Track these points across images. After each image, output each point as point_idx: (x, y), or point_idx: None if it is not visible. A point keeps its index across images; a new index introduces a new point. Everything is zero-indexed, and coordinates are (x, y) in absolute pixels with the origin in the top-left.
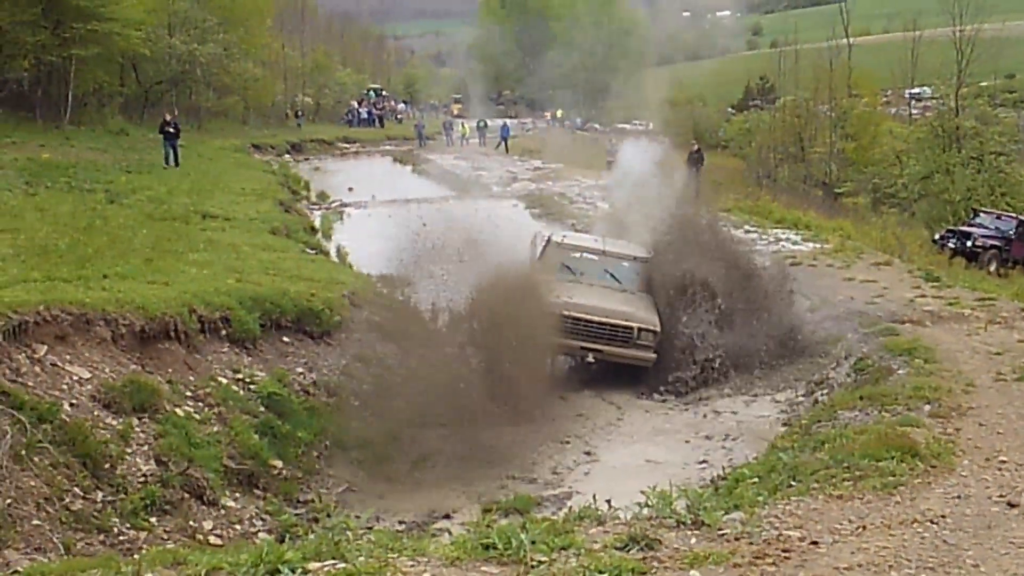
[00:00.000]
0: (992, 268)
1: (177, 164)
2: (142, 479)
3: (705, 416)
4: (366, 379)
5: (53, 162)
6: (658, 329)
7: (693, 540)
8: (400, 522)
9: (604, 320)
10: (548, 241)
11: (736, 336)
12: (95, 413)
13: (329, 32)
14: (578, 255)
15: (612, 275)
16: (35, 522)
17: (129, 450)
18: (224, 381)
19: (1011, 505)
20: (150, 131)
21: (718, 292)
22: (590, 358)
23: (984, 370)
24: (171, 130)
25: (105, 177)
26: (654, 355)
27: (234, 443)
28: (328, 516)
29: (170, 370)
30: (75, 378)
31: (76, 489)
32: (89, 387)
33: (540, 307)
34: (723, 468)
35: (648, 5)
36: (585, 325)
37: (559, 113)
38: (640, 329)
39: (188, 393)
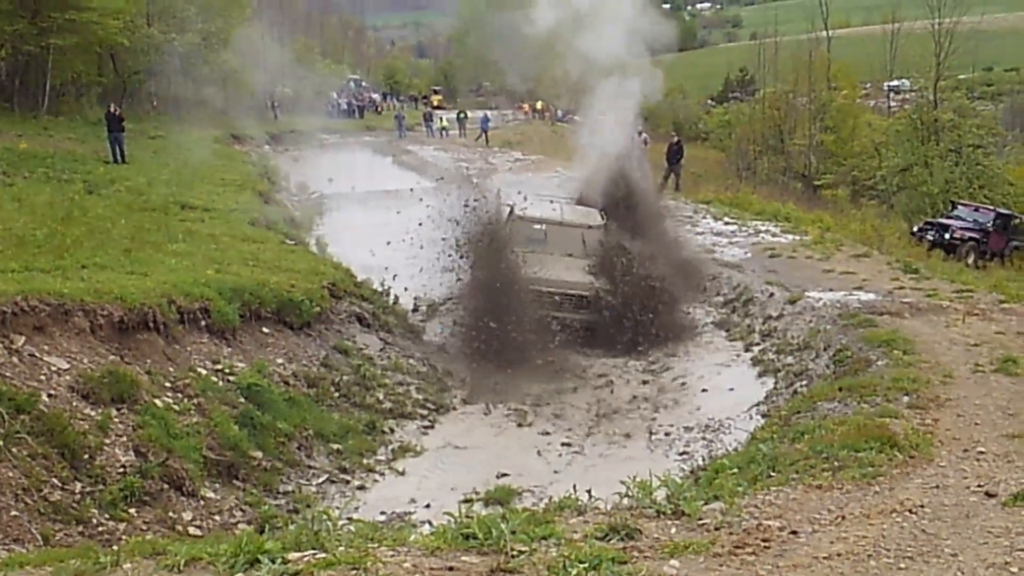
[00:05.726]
0: (970, 260)
1: (121, 159)
2: (121, 470)
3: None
4: (346, 370)
5: (31, 152)
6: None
7: (673, 530)
8: (381, 512)
9: (565, 291)
10: (511, 214)
11: None
12: (73, 404)
13: (309, 23)
14: (539, 226)
15: (570, 242)
16: (13, 513)
17: (108, 441)
18: (203, 372)
19: (989, 495)
20: (129, 122)
21: None
22: (554, 325)
23: (962, 361)
24: (119, 121)
25: (83, 167)
26: (606, 314)
27: (214, 434)
28: (308, 507)
29: (149, 361)
30: (53, 368)
31: (55, 480)
32: (67, 378)
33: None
34: (703, 459)
35: None
36: (548, 296)
37: (539, 104)
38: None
39: (167, 384)
